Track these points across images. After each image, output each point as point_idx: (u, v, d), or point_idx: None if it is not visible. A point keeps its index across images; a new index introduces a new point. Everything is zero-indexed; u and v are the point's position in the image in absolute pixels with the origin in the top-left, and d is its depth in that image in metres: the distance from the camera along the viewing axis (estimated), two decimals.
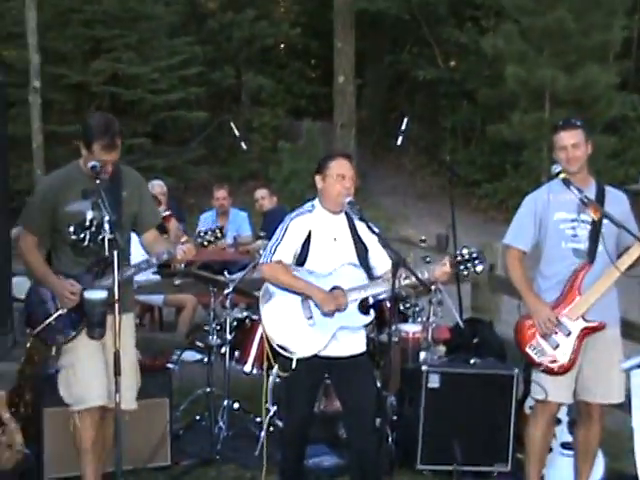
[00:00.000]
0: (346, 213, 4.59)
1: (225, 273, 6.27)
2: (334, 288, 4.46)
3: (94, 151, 4.27)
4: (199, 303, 8.06)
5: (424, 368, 5.39)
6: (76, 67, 17.05)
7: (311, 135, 17.50)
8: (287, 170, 16.88)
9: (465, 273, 4.48)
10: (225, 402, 5.82)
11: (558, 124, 4.74)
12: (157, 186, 8.48)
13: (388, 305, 5.56)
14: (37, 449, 5.09)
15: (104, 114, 4.67)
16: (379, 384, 5.17)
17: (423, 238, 6.45)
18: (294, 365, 4.45)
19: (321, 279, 4.48)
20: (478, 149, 19.17)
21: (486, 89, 17.81)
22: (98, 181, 4.21)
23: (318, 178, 4.59)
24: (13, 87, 14.64)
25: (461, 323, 6.52)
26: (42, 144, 15.00)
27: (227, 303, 5.96)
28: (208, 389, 5.85)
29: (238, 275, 6.41)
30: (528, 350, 4.67)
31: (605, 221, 4.57)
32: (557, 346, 4.61)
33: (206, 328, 6.10)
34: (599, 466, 5.04)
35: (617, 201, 4.73)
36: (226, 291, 5.93)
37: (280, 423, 5.45)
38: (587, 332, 4.61)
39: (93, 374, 4.39)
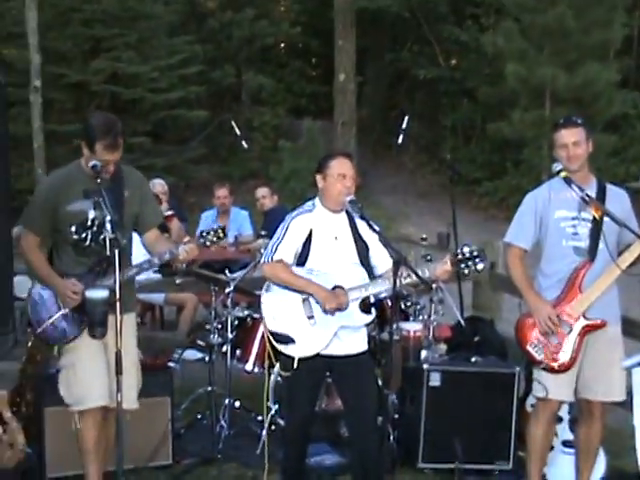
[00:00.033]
0: (347, 212, 4.59)
1: (226, 272, 6.28)
2: (335, 287, 4.46)
3: (97, 151, 4.26)
4: (200, 302, 8.05)
5: (425, 366, 5.40)
6: (76, 66, 17.06)
7: (312, 134, 17.51)
8: (288, 169, 16.88)
9: (466, 271, 4.48)
10: (226, 401, 5.82)
11: (559, 122, 4.73)
12: (158, 185, 8.48)
13: (389, 304, 5.56)
14: (38, 448, 5.10)
15: (106, 114, 4.66)
16: (380, 382, 5.17)
17: (424, 236, 6.44)
18: (295, 364, 4.45)
19: (322, 278, 4.48)
20: (478, 147, 19.17)
21: (486, 87, 17.81)
22: (99, 180, 4.20)
23: (319, 177, 4.59)
24: (14, 87, 14.66)
25: (462, 321, 6.52)
26: (43, 143, 15.03)
27: (228, 302, 5.96)
28: (209, 388, 5.86)
29: (239, 274, 6.42)
30: (529, 348, 4.67)
31: (606, 219, 4.57)
32: (558, 344, 4.61)
33: (207, 327, 6.10)
34: (600, 464, 5.04)
35: (618, 199, 4.73)
36: (227, 290, 5.94)
37: (281, 422, 5.46)
38: (588, 330, 4.61)
39: (94, 375, 4.39)
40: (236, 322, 6.02)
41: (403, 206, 17.87)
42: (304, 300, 4.48)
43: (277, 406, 5.57)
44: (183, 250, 4.41)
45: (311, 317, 4.46)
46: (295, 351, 4.47)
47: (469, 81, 19.00)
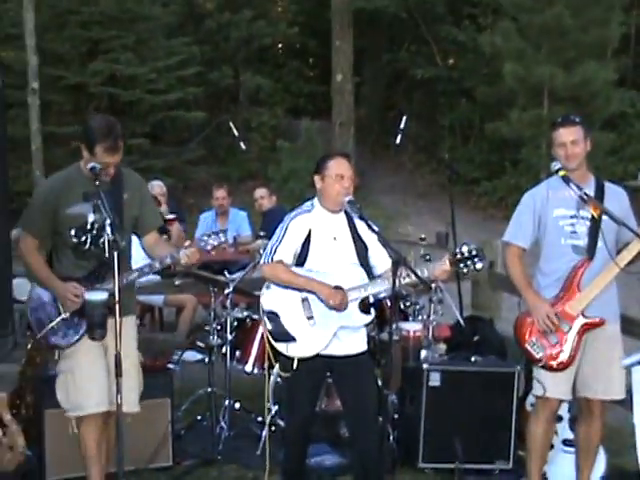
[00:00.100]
0: (346, 212, 4.60)
1: (225, 273, 6.28)
2: (334, 287, 4.46)
3: (97, 154, 4.25)
4: (199, 303, 8.05)
5: (425, 366, 5.40)
6: (74, 68, 17.03)
7: (310, 134, 17.49)
8: (286, 169, 16.87)
9: (465, 271, 4.49)
10: (226, 402, 5.82)
11: (557, 121, 4.74)
12: (157, 186, 8.49)
13: (388, 304, 5.56)
14: (38, 450, 5.10)
15: (105, 116, 4.66)
16: (380, 383, 5.17)
17: (423, 236, 6.44)
18: (295, 365, 4.46)
19: (321, 278, 4.48)
20: (477, 147, 19.16)
21: (484, 87, 17.80)
22: (97, 182, 4.20)
23: (317, 178, 4.59)
24: (11, 88, 14.65)
25: (462, 321, 6.52)
26: (41, 145, 15.01)
27: (227, 303, 5.97)
28: (209, 389, 5.86)
29: (238, 275, 6.42)
30: (528, 347, 4.67)
31: (604, 217, 4.58)
32: (556, 342, 4.61)
33: (207, 328, 6.11)
34: (600, 463, 5.05)
35: (616, 197, 4.73)
36: (226, 291, 5.94)
37: (282, 423, 5.46)
38: (587, 328, 4.61)
39: (93, 381, 4.39)
40: (235, 323, 6.03)
41: (402, 206, 17.86)
42: (303, 300, 4.49)
43: (277, 407, 5.57)
44: (184, 254, 4.40)
45: (310, 317, 4.47)
46: (295, 351, 4.47)
47: (467, 81, 18.98)
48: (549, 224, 4.72)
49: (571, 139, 4.60)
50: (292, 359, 4.47)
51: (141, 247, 4.70)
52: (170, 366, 5.93)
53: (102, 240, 4.22)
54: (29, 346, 5.31)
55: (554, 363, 4.62)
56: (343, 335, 4.50)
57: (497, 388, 5.39)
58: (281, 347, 4.49)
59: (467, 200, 17.49)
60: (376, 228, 4.47)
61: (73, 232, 4.36)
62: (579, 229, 4.65)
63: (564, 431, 5.09)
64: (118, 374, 4.07)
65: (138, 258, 4.67)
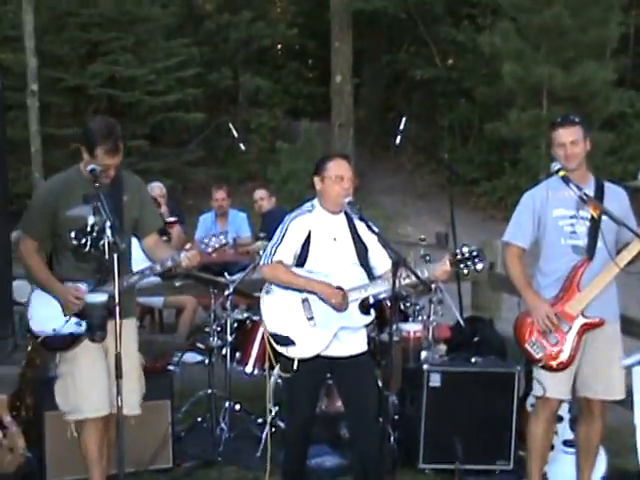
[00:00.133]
0: (346, 213, 4.60)
1: (225, 274, 6.27)
2: (336, 288, 4.46)
3: (97, 156, 4.25)
4: (199, 304, 8.05)
5: (425, 367, 5.40)
6: (73, 70, 17.05)
7: (309, 135, 17.49)
8: (285, 170, 16.86)
9: (465, 272, 4.48)
10: (226, 403, 5.82)
11: (556, 121, 4.74)
12: (156, 188, 8.48)
13: (389, 304, 5.56)
14: (39, 452, 5.10)
15: (105, 118, 4.65)
16: (380, 383, 5.17)
17: (422, 237, 6.44)
18: (295, 366, 4.45)
19: (321, 279, 4.48)
20: (476, 147, 19.16)
21: (483, 87, 17.80)
22: (97, 185, 4.19)
23: (317, 180, 4.59)
24: (11, 90, 14.65)
25: (462, 321, 6.52)
26: (40, 147, 15.02)
27: (227, 304, 5.96)
28: (209, 391, 5.86)
29: (238, 276, 6.41)
30: (527, 347, 4.67)
31: (604, 217, 4.58)
32: (556, 342, 4.61)
33: (207, 329, 6.10)
34: (601, 463, 5.05)
35: (616, 197, 4.73)
36: (226, 292, 5.93)
37: (282, 424, 5.46)
38: (586, 328, 4.61)
39: (93, 384, 4.38)
40: (235, 324, 6.02)
41: (401, 207, 17.86)
42: (304, 301, 4.49)
43: (277, 408, 5.57)
44: (185, 257, 4.37)
45: (311, 318, 4.47)
46: (295, 352, 4.47)
47: (466, 81, 18.98)
48: (549, 224, 4.72)
49: (570, 139, 4.60)
50: (292, 360, 4.47)
51: (141, 249, 4.69)
52: (170, 368, 5.92)
53: (102, 242, 4.20)
54: (29, 348, 5.31)
55: (554, 363, 4.62)
56: (343, 336, 4.50)
57: (497, 388, 5.39)
58: (281, 348, 4.49)
59: (467, 200, 17.49)
60: (376, 229, 4.47)
61: (73, 234, 4.35)
62: (579, 229, 4.65)
63: (564, 431, 5.09)
64: (118, 375, 4.07)
65: (138, 260, 4.67)
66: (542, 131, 14.43)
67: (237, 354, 5.94)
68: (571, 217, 4.67)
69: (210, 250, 4.47)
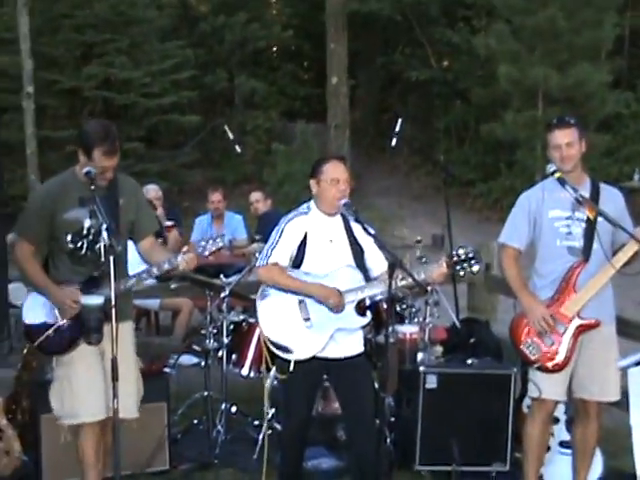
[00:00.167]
0: (342, 215, 4.60)
1: (221, 276, 6.27)
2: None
3: (95, 158, 4.23)
4: (195, 306, 8.05)
5: (421, 369, 5.40)
6: (68, 72, 17.03)
7: (305, 137, 17.49)
8: (281, 172, 16.86)
9: (461, 273, 4.49)
10: (223, 406, 5.81)
11: (552, 122, 4.74)
12: (152, 191, 8.48)
13: (385, 306, 5.56)
14: (35, 455, 5.09)
15: (100, 120, 4.65)
16: (377, 385, 5.17)
17: (419, 238, 6.44)
18: (292, 367, 4.45)
19: (317, 281, 4.48)
20: (472, 149, 19.16)
21: (479, 89, 17.82)
22: (93, 187, 4.18)
23: (313, 182, 4.60)
24: (6, 93, 14.70)
25: (458, 323, 6.53)
26: (36, 149, 15.00)
27: (224, 306, 5.96)
28: (206, 393, 5.85)
29: (234, 278, 6.41)
30: (523, 348, 4.68)
31: (600, 219, 4.58)
32: (552, 344, 4.61)
33: (203, 332, 6.10)
34: (597, 464, 5.05)
35: (612, 198, 4.74)
36: (222, 294, 5.93)
37: (278, 426, 5.46)
38: (582, 330, 4.62)
39: (90, 389, 4.36)
40: (232, 327, 6.01)
41: (397, 208, 17.87)
42: (300, 302, 4.49)
43: (274, 410, 5.57)
44: (183, 260, 4.36)
45: (307, 319, 4.47)
46: (291, 354, 4.47)
47: (462, 83, 18.99)
48: (544, 225, 4.72)
49: (566, 141, 4.60)
50: (289, 361, 4.47)
51: (137, 252, 4.69)
52: (166, 370, 5.92)
53: (98, 245, 4.19)
54: (25, 351, 5.30)
55: (550, 364, 4.63)
56: (340, 337, 4.50)
57: (493, 390, 5.39)
58: (278, 350, 4.49)
59: (462, 202, 17.49)
60: (372, 231, 4.48)
61: (69, 237, 4.34)
62: (574, 230, 4.66)
63: (561, 433, 5.09)
64: (114, 378, 4.06)
65: (134, 263, 4.66)
66: (538, 132, 14.43)
67: (233, 356, 5.93)
68: (567, 218, 4.68)
69: (207, 253, 4.47)
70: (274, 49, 22.37)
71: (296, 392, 4.57)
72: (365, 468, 4.51)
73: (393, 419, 5.62)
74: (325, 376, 4.74)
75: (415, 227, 15.64)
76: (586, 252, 4.62)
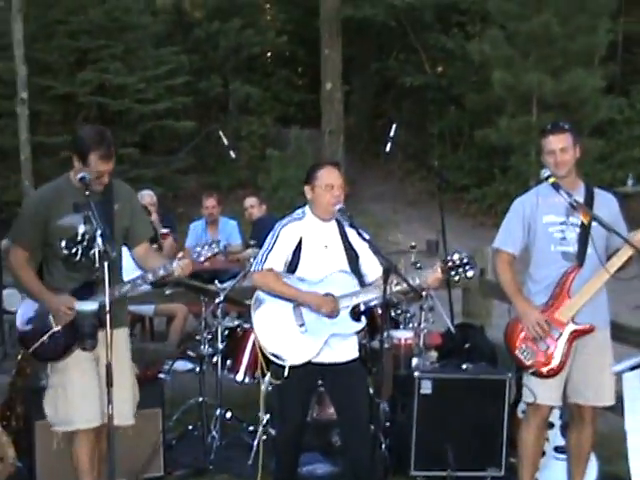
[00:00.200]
0: (337, 220, 4.60)
1: (216, 282, 6.26)
2: (326, 295, 4.46)
3: (90, 162, 4.22)
4: (190, 312, 8.03)
5: (416, 374, 5.39)
6: (63, 78, 17.03)
7: (299, 142, 17.52)
8: (276, 178, 16.88)
9: (456, 279, 4.50)
10: (218, 411, 5.81)
11: (546, 128, 4.75)
12: (147, 196, 8.47)
13: (379, 311, 5.56)
14: (29, 462, 5.07)
15: (95, 125, 4.64)
16: (372, 391, 5.17)
17: (413, 244, 6.44)
18: (286, 373, 4.45)
19: (312, 286, 4.49)
20: (466, 154, 19.19)
21: (473, 94, 17.85)
22: (88, 193, 4.17)
23: (307, 188, 4.60)
24: (0, 99, 14.65)
25: (452, 328, 6.52)
26: (30, 155, 14.98)
27: (218, 312, 5.95)
28: (200, 399, 5.85)
29: (229, 284, 6.40)
30: (518, 353, 4.68)
31: (594, 224, 4.59)
32: (547, 349, 4.61)
33: (197, 337, 6.09)
34: (592, 469, 5.05)
35: (606, 203, 4.74)
36: (217, 300, 5.92)
37: (273, 432, 5.45)
38: (577, 335, 4.62)
39: (84, 396, 4.35)
40: (226, 332, 6.00)
41: (392, 214, 17.88)
42: (295, 307, 4.49)
43: (269, 416, 5.56)
44: (178, 266, 4.35)
45: (302, 325, 4.47)
46: (286, 361, 4.47)
47: (456, 88, 19.01)
48: (539, 231, 4.73)
49: (560, 146, 4.61)
50: (283, 367, 4.47)
51: (131, 257, 4.68)
52: (161, 376, 5.90)
53: (93, 251, 4.19)
54: (19, 357, 5.29)
55: (544, 370, 4.63)
56: (334, 343, 4.50)
57: (488, 395, 5.39)
58: (273, 356, 4.49)
59: (457, 207, 17.51)
60: (367, 236, 4.48)
61: (64, 243, 4.32)
62: (569, 235, 4.66)
63: (556, 438, 5.10)
64: (109, 384, 4.05)
65: (128, 269, 4.65)
66: (532, 138, 14.47)
67: (228, 362, 5.92)
68: (561, 223, 4.68)
69: (203, 259, 4.46)
70: (268, 55, 22.37)
71: (291, 397, 4.57)
72: (360, 474, 4.51)
73: (388, 424, 5.61)
74: (320, 381, 4.74)
75: (409, 232, 15.66)
76: (580, 257, 4.63)
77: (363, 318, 4.56)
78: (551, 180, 4.63)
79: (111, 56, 16.87)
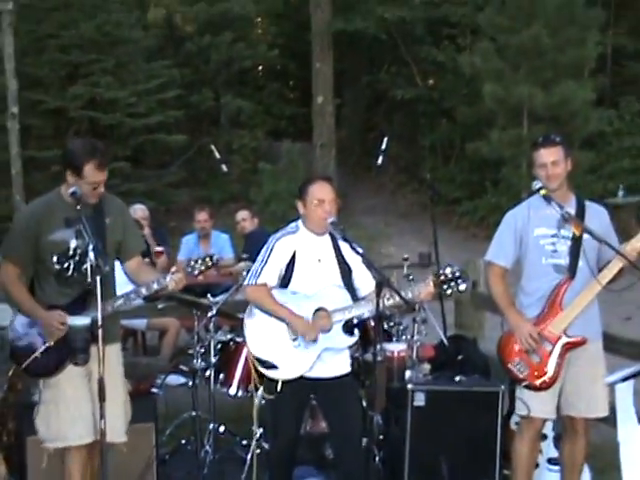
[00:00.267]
0: (330, 234, 4.61)
1: (208, 296, 6.25)
2: (318, 309, 4.46)
3: (86, 173, 4.21)
4: (182, 326, 8.02)
5: (409, 387, 5.38)
6: (54, 92, 17.00)
7: (291, 156, 17.54)
8: (268, 191, 16.88)
9: (449, 292, 4.51)
10: (211, 425, 5.79)
11: (538, 141, 4.76)
12: (139, 210, 8.47)
13: (372, 324, 5.56)
14: (20, 477, 5.04)
15: (84, 138, 4.63)
16: (365, 403, 5.17)
17: (406, 256, 6.45)
18: (279, 387, 4.45)
19: (305, 300, 4.49)
20: (458, 167, 19.23)
21: (464, 107, 17.90)
22: (79, 207, 4.16)
23: (299, 203, 4.61)
24: None
25: (445, 341, 6.52)
26: (21, 170, 14.90)
27: (211, 326, 5.94)
28: (193, 413, 5.83)
29: (221, 297, 6.39)
30: (511, 366, 4.69)
31: (585, 236, 4.60)
32: (540, 362, 4.62)
33: (190, 351, 6.08)
34: None
35: (597, 215, 4.76)
36: (210, 314, 5.91)
37: (266, 445, 5.44)
38: (569, 347, 4.63)
39: (77, 412, 4.33)
40: (219, 346, 5.99)
41: (384, 227, 17.89)
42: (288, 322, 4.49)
43: (262, 430, 5.55)
44: (172, 280, 4.35)
45: (295, 339, 4.47)
46: (279, 374, 4.47)
47: (447, 101, 19.07)
48: (530, 243, 4.74)
49: (552, 160, 4.62)
50: (276, 381, 4.47)
51: (123, 272, 4.67)
52: (154, 390, 5.88)
53: (85, 266, 4.17)
54: (10, 372, 5.27)
55: (537, 382, 4.64)
56: (327, 357, 4.50)
57: (482, 407, 5.38)
58: (265, 370, 4.49)
59: (449, 220, 17.53)
60: (360, 250, 4.48)
61: (55, 258, 4.31)
62: (560, 248, 4.67)
63: (549, 449, 5.10)
64: (101, 399, 4.04)
65: (121, 283, 4.64)
66: (523, 151, 14.51)
67: (221, 376, 5.91)
68: (552, 236, 4.70)
69: (197, 272, 4.45)
70: (260, 68, 22.42)
71: (284, 412, 4.57)
72: None
73: (381, 437, 5.60)
74: (312, 395, 4.73)
75: (402, 245, 15.64)
76: (572, 270, 4.64)
77: (356, 331, 4.56)
78: (542, 192, 4.64)
79: (102, 70, 16.86)
